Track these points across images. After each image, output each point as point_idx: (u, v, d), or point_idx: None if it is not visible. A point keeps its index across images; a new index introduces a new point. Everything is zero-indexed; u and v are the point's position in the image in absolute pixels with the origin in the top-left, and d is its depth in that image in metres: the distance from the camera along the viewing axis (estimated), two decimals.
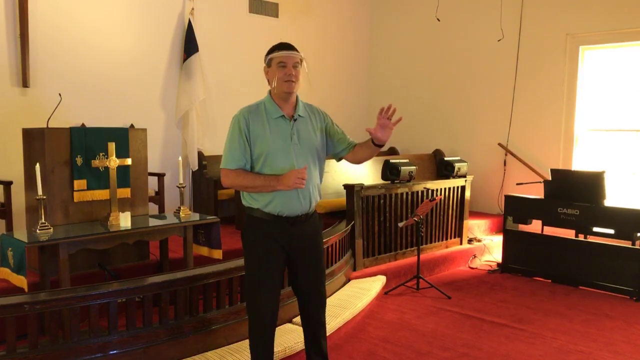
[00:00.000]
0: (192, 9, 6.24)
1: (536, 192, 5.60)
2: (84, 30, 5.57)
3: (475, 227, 6.34)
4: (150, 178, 4.38)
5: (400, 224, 4.94)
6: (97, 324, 2.90)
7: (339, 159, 2.93)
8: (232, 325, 3.39)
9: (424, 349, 3.59)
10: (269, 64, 2.70)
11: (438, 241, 5.69)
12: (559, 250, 5.07)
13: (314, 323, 2.88)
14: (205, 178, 6.21)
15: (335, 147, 2.85)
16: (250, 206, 2.73)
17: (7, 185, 4.61)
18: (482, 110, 7.21)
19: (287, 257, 2.76)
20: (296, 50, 2.68)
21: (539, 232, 5.35)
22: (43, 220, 3.47)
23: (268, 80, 2.73)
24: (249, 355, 2.92)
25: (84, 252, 3.69)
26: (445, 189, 5.66)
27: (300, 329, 2.97)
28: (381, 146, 2.73)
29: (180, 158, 4.36)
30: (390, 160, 5.30)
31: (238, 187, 2.72)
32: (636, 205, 5.13)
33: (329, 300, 3.72)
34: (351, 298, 4.17)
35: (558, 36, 6.47)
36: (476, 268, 5.65)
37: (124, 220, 3.76)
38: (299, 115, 2.73)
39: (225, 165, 2.68)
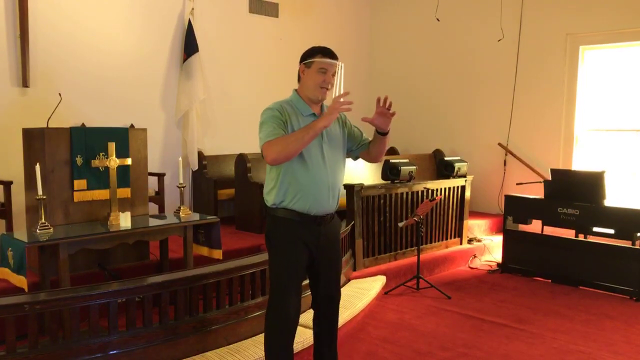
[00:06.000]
0: (192, 9, 6.24)
1: (536, 192, 5.60)
2: (84, 30, 5.57)
3: (475, 227, 6.34)
4: (150, 178, 4.39)
5: (401, 224, 4.94)
6: (97, 324, 2.90)
7: (355, 158, 2.90)
8: (232, 325, 3.38)
9: (423, 349, 3.59)
10: (308, 65, 2.65)
11: (438, 241, 5.69)
12: (559, 250, 5.07)
13: (331, 325, 2.86)
14: (205, 178, 6.21)
15: (354, 144, 2.82)
16: (275, 206, 2.64)
17: (7, 185, 4.62)
18: (482, 110, 7.21)
19: (312, 258, 2.70)
20: (337, 58, 2.67)
21: (539, 232, 5.34)
22: (43, 220, 3.47)
23: (300, 78, 2.69)
24: (253, 355, 2.91)
25: (84, 252, 3.70)
26: (445, 189, 5.66)
27: (302, 329, 2.96)
28: (385, 134, 2.71)
29: (180, 158, 4.36)
30: (390, 160, 5.30)
31: (284, 151, 2.46)
32: (636, 205, 5.13)
33: None
34: (351, 298, 4.16)
35: (558, 36, 6.47)
36: (476, 268, 5.65)
37: (124, 220, 3.76)
38: None
39: (265, 139, 2.50)
